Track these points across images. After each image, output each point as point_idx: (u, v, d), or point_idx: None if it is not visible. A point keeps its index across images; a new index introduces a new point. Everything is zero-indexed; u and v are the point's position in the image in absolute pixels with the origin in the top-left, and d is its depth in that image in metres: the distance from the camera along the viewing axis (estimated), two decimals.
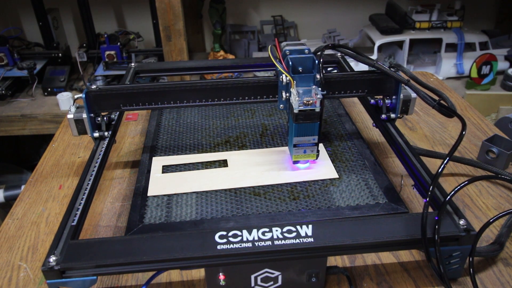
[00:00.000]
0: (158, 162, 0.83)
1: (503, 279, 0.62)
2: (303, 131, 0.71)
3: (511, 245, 0.69)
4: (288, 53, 0.73)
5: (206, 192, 0.74)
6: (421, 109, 1.11)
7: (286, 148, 0.84)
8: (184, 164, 0.82)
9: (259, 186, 0.75)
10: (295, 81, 0.69)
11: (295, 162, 0.76)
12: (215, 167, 0.81)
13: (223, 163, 0.82)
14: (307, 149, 0.73)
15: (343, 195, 0.73)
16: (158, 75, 1.19)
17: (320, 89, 0.70)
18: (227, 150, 0.87)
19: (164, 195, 0.74)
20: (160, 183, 0.76)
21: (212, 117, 0.99)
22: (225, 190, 0.75)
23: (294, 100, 0.67)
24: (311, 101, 0.66)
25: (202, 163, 0.82)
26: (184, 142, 0.90)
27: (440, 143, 0.96)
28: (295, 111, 0.67)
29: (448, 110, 0.69)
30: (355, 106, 1.10)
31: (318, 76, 0.70)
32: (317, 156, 0.74)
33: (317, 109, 0.67)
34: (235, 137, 0.91)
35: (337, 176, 0.78)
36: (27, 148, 2.21)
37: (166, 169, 0.81)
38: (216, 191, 0.74)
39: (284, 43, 0.75)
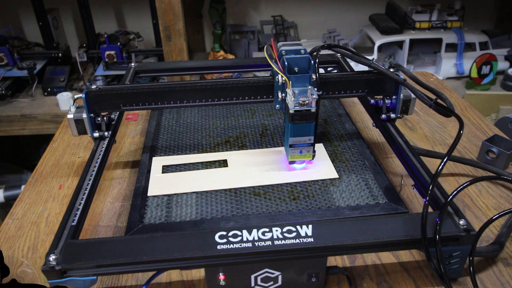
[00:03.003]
0: (158, 162, 0.82)
1: (503, 279, 0.62)
2: (298, 131, 0.70)
3: (511, 245, 0.68)
4: (284, 53, 0.72)
5: (206, 192, 0.74)
6: (421, 109, 1.11)
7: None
8: (184, 164, 0.81)
9: (259, 186, 0.75)
10: (290, 81, 0.69)
11: (291, 163, 0.76)
12: (215, 167, 0.80)
13: (223, 163, 0.82)
14: (303, 149, 0.73)
15: (343, 195, 0.73)
16: (158, 75, 1.19)
17: (316, 89, 0.69)
18: (227, 150, 0.86)
19: (164, 195, 0.74)
20: (160, 183, 0.76)
21: (212, 117, 0.98)
22: (225, 190, 0.74)
23: (290, 101, 0.67)
24: (306, 101, 0.66)
25: (202, 163, 0.82)
26: (184, 142, 0.89)
27: (440, 143, 0.95)
28: (291, 111, 0.66)
29: (444, 109, 0.68)
30: (355, 106, 1.10)
31: (314, 76, 0.69)
32: (313, 156, 0.74)
33: (313, 109, 0.67)
34: (235, 137, 0.90)
35: (337, 176, 0.77)
36: (27, 148, 2.21)
37: (166, 169, 0.80)
38: (216, 191, 0.74)
39: (280, 43, 0.74)
